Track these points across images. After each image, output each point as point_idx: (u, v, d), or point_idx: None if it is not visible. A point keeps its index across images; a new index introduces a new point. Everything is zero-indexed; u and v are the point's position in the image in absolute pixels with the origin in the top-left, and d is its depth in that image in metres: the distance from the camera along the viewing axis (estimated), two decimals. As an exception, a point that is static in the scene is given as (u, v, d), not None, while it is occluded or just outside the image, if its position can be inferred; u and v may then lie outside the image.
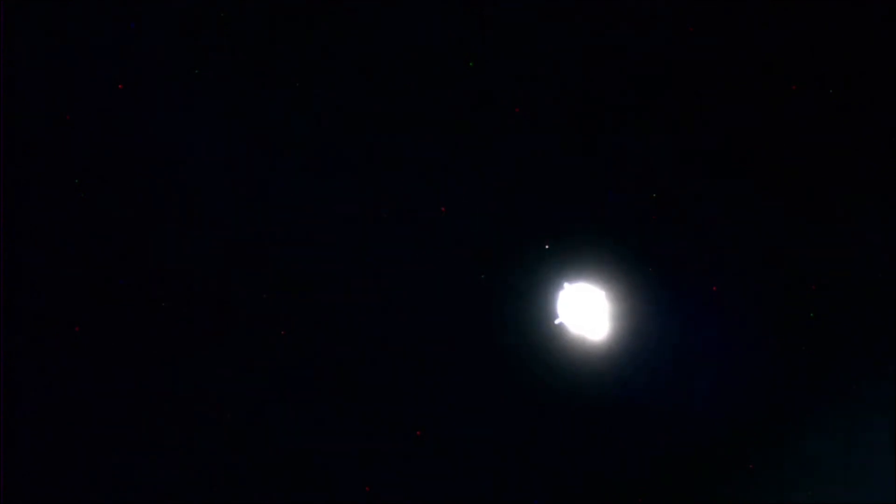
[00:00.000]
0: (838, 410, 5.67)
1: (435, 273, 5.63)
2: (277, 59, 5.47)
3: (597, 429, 5.69)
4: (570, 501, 5.72)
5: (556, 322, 5.61)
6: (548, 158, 5.58)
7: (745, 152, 5.55)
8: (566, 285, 5.59)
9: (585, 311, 5.61)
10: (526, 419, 5.69)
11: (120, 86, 5.39)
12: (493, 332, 5.65)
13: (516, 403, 5.68)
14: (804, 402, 5.68)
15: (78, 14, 5.34)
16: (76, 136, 5.43)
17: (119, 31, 5.36)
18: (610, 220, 5.57)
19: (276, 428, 5.70)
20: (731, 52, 5.48)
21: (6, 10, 5.28)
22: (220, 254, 5.61)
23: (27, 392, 5.52)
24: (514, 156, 5.57)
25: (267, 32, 5.44)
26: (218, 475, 5.65)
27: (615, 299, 5.61)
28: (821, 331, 5.65)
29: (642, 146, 5.53)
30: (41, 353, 5.53)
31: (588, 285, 5.60)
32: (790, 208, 5.59)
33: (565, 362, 5.64)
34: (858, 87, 5.50)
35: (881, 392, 5.63)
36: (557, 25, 5.49)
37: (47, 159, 5.44)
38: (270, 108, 5.50)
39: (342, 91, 5.50)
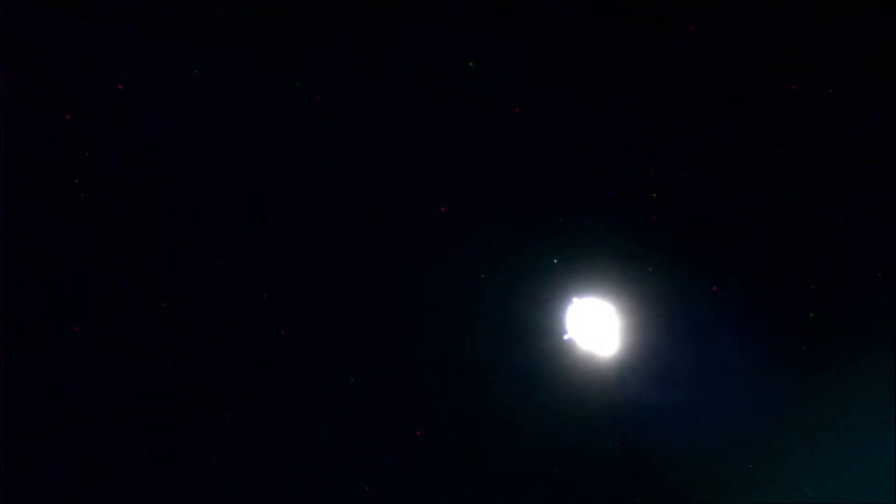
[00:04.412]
0: (838, 410, 5.68)
1: (440, 282, 5.64)
2: (278, 59, 5.47)
3: (599, 432, 5.70)
4: (571, 502, 5.74)
5: (566, 337, 5.62)
6: (551, 166, 5.58)
7: (745, 153, 5.56)
8: (575, 300, 5.60)
9: (594, 326, 5.61)
10: (529, 425, 5.70)
11: (120, 86, 5.39)
12: (500, 345, 5.66)
13: (521, 410, 5.70)
14: (804, 402, 5.69)
15: (78, 14, 5.33)
16: (76, 136, 5.43)
17: (119, 31, 5.36)
18: (616, 233, 5.57)
19: (277, 428, 5.70)
20: (732, 53, 5.48)
21: (6, 11, 5.28)
22: (220, 254, 5.61)
23: (27, 392, 5.52)
24: (516, 163, 5.57)
25: (267, 33, 5.44)
26: (218, 475, 5.66)
27: (624, 314, 5.61)
28: (821, 331, 5.66)
29: (647, 151, 5.53)
30: (41, 353, 5.53)
31: (597, 300, 5.60)
32: (791, 209, 5.60)
33: (574, 376, 5.65)
34: (858, 87, 5.50)
35: (881, 392, 5.63)
36: (558, 25, 5.49)
37: (47, 159, 5.44)
38: (270, 109, 5.50)
39: (343, 91, 5.50)
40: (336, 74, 5.48)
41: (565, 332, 5.61)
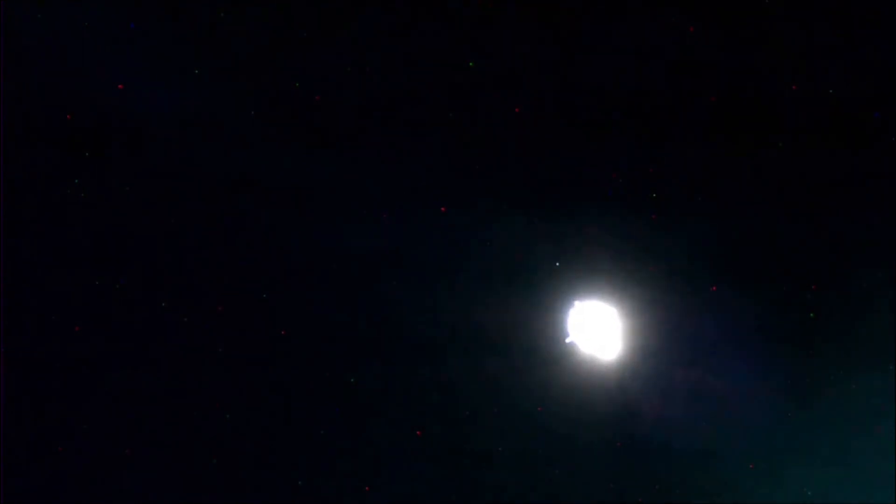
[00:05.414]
0: (838, 410, 5.68)
1: (440, 284, 5.64)
2: (278, 59, 5.47)
3: (599, 433, 5.71)
4: (572, 502, 5.74)
5: (567, 340, 5.62)
6: (551, 167, 5.58)
7: (745, 153, 5.56)
8: (576, 303, 5.60)
9: (596, 329, 5.61)
10: (530, 426, 5.71)
11: (120, 86, 5.39)
12: (502, 347, 5.66)
13: (521, 411, 5.70)
14: (804, 402, 5.69)
15: (78, 14, 5.33)
16: (76, 136, 5.43)
17: (119, 31, 5.36)
18: (617, 234, 5.57)
19: (277, 428, 5.70)
20: (731, 53, 5.48)
21: (6, 10, 5.27)
22: (220, 254, 5.61)
23: (27, 392, 5.52)
24: (516, 164, 5.57)
25: (267, 32, 5.44)
26: (218, 475, 5.66)
27: (625, 316, 5.61)
28: (821, 331, 5.66)
29: (647, 151, 5.54)
30: (41, 353, 5.53)
31: (599, 303, 5.60)
32: (791, 208, 5.60)
33: (576, 380, 5.66)
34: (858, 87, 5.50)
35: (881, 392, 5.63)
36: (558, 25, 5.48)
37: (47, 159, 5.44)
38: (271, 109, 5.50)
39: (343, 91, 5.50)
40: (336, 74, 5.48)
41: (567, 335, 5.61)
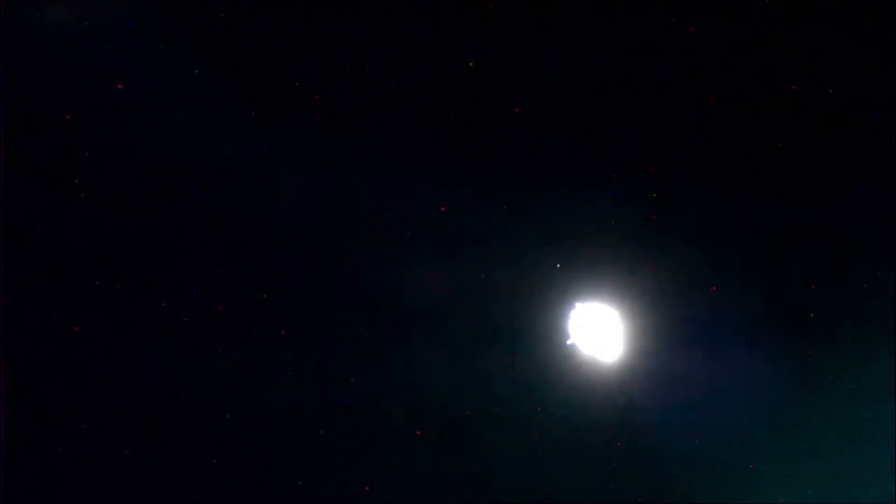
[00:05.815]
0: (839, 410, 5.68)
1: (440, 284, 5.63)
2: (277, 58, 5.47)
3: (599, 433, 5.70)
4: (572, 502, 5.74)
5: (568, 342, 5.62)
6: (551, 167, 5.58)
7: (745, 153, 5.56)
8: (577, 305, 5.60)
9: (597, 330, 5.61)
10: (530, 426, 5.71)
11: (120, 86, 5.39)
12: (502, 348, 5.66)
13: (521, 412, 5.70)
14: (804, 402, 5.69)
15: (78, 14, 5.33)
16: (76, 136, 5.43)
17: (119, 31, 5.36)
18: (616, 233, 5.56)
19: (277, 428, 5.70)
20: (731, 53, 5.48)
21: (6, 10, 5.28)
22: (220, 254, 5.61)
23: (27, 392, 5.52)
24: (516, 164, 5.57)
25: (267, 32, 5.44)
26: (218, 475, 5.66)
27: (626, 318, 5.61)
28: (821, 331, 5.66)
29: (647, 151, 5.53)
30: (41, 353, 5.53)
31: (599, 304, 5.60)
32: (791, 208, 5.60)
33: (576, 381, 5.66)
34: (858, 87, 5.50)
35: (882, 392, 5.63)
36: (557, 25, 5.48)
37: (47, 160, 5.44)
38: (270, 109, 5.50)
39: (342, 91, 5.50)
40: (336, 74, 5.48)
41: (568, 337, 5.61)
